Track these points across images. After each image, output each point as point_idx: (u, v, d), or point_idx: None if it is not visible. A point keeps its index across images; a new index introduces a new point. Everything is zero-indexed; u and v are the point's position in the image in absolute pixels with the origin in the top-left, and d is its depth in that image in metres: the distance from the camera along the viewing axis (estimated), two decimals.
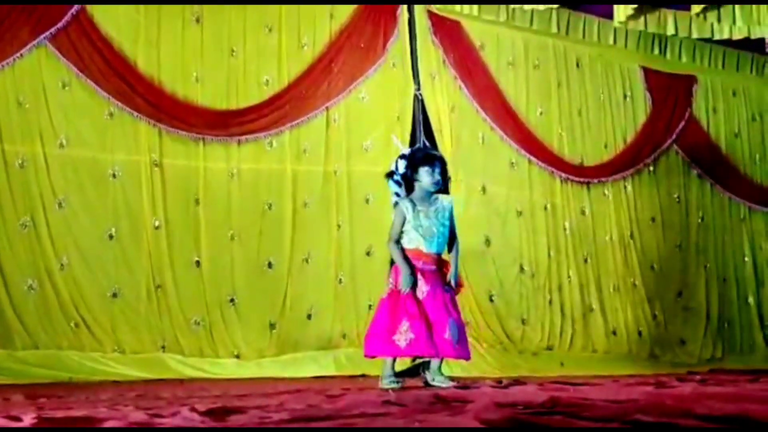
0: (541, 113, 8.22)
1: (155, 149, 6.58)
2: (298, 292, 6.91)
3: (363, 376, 6.23)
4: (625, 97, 8.74)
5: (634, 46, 8.72)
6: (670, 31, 7.94)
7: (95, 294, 6.26)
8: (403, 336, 4.48)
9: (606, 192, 8.52)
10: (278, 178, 6.99)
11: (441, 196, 4.77)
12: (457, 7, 7.75)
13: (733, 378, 5.45)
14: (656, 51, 8.86)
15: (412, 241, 4.65)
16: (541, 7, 7.61)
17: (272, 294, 6.84)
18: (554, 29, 8.22)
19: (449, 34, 7.74)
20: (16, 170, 6.13)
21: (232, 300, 6.70)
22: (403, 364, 4.86)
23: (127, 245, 6.43)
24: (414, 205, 4.67)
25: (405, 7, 7.57)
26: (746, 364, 8.24)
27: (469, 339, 7.03)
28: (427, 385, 4.62)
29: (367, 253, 7.14)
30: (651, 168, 8.81)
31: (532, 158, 8.08)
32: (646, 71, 8.84)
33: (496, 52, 8.04)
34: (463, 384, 4.67)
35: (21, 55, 6.15)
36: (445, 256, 4.76)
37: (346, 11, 7.34)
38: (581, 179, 8.36)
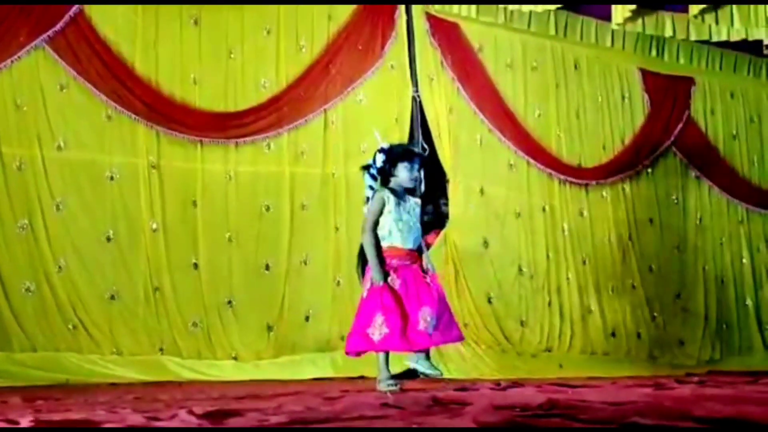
0: (539, 115, 8.22)
1: (153, 151, 6.57)
2: (296, 294, 6.90)
3: (361, 378, 6.22)
4: (623, 98, 8.75)
5: (632, 48, 8.72)
6: (668, 32, 7.95)
7: (93, 296, 6.25)
8: (378, 330, 4.44)
9: (604, 193, 8.51)
10: (276, 181, 6.99)
11: (408, 196, 4.77)
12: (456, 8, 7.74)
13: (732, 380, 5.46)
14: (654, 53, 8.86)
15: (387, 237, 4.61)
16: (540, 8, 7.61)
17: (270, 296, 6.83)
18: (552, 31, 8.23)
19: (447, 36, 7.74)
20: (14, 172, 6.11)
21: (229, 302, 6.69)
22: (399, 366, 4.85)
23: (124, 247, 6.42)
24: (397, 197, 4.65)
25: (403, 8, 7.57)
26: (744, 366, 8.24)
27: (468, 341, 7.15)
28: (412, 375, 4.61)
29: None
30: (649, 170, 8.81)
31: (531, 160, 8.07)
32: (644, 73, 8.85)
33: (495, 54, 8.04)
34: (462, 386, 4.66)
35: (19, 57, 6.14)
36: None
37: (344, 13, 7.34)
38: (580, 181, 8.36)
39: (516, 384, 4.90)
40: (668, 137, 8.90)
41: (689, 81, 9.10)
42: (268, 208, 6.93)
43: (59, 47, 6.27)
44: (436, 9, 7.70)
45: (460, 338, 4.88)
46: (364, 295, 4.62)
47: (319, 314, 6.93)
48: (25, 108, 6.19)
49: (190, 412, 2.70)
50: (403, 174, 4.68)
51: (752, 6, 7.07)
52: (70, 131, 6.34)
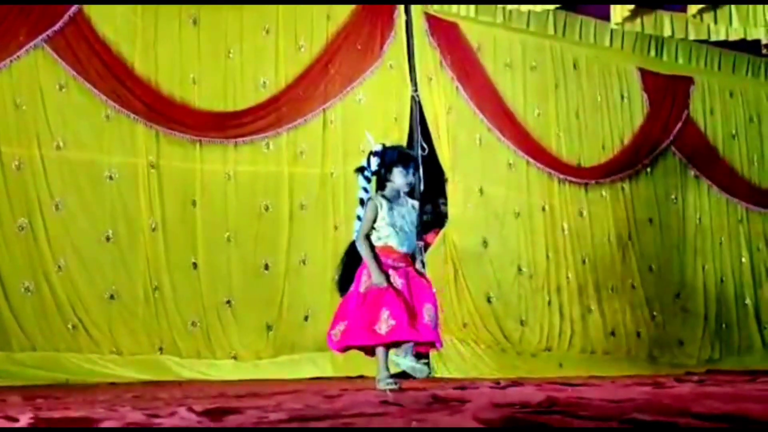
0: (538, 114, 8.22)
1: (152, 151, 6.57)
2: (295, 293, 6.90)
3: (361, 377, 6.22)
4: (622, 98, 8.74)
5: (630, 48, 8.72)
6: (667, 32, 7.96)
7: (92, 296, 6.24)
8: (385, 323, 4.46)
9: (604, 193, 8.51)
10: (275, 180, 6.99)
11: (407, 198, 4.77)
12: (454, 8, 7.74)
13: (731, 378, 5.46)
14: (653, 52, 8.86)
15: (383, 238, 4.62)
16: (538, 8, 7.61)
17: (269, 296, 6.83)
18: (551, 31, 8.22)
19: (446, 36, 7.73)
20: (13, 172, 6.10)
21: (228, 302, 6.68)
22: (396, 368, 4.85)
23: (124, 247, 6.41)
24: (389, 202, 4.65)
25: (402, 8, 7.56)
26: (744, 365, 8.25)
27: (468, 340, 7.16)
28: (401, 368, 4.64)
29: None
30: (648, 169, 8.81)
31: (530, 159, 8.07)
32: (643, 72, 8.84)
33: (494, 54, 8.03)
34: (461, 385, 4.66)
35: (18, 56, 6.13)
36: None
37: (343, 13, 7.34)
38: (579, 180, 8.35)
39: (516, 383, 4.90)
40: (667, 137, 8.90)
41: (688, 80, 9.10)
42: (267, 208, 6.93)
43: (58, 47, 6.26)
44: (435, 9, 7.70)
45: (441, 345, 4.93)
46: (362, 290, 4.62)
47: (318, 314, 6.92)
48: (24, 107, 6.18)
49: (190, 410, 2.70)
50: (398, 179, 4.68)
51: (751, 6, 7.08)
52: (70, 131, 6.34)
